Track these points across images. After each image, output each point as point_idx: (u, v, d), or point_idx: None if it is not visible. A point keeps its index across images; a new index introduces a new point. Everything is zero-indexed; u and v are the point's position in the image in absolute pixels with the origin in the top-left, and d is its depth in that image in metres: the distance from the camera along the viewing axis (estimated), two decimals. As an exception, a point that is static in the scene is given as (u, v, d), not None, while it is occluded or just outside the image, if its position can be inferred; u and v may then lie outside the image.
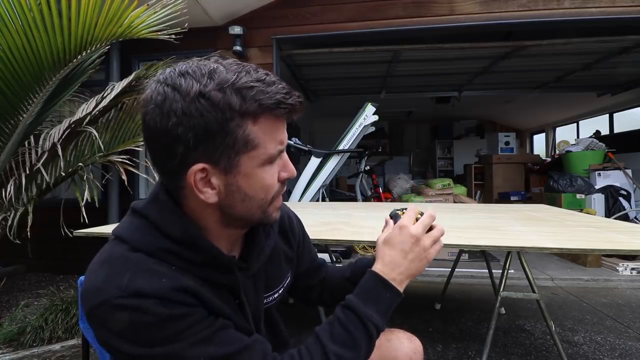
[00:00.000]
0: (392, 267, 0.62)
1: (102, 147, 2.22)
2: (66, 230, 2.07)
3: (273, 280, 0.71)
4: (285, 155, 0.57)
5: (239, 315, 0.60)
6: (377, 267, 0.63)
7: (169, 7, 2.14)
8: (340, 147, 3.39)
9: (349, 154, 3.50)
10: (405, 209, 0.69)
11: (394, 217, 0.70)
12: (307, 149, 3.51)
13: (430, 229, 0.66)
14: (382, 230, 0.70)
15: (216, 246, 0.56)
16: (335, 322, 0.58)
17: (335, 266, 0.87)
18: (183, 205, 0.56)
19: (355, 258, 3.72)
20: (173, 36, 2.19)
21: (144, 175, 2.63)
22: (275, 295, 0.72)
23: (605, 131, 5.93)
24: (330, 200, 4.13)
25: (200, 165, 0.50)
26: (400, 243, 0.63)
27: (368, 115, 3.35)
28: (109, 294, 0.48)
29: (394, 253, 0.63)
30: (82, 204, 2.08)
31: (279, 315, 0.77)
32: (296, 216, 0.82)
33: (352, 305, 0.59)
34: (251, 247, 0.65)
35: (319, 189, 3.40)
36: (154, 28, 2.12)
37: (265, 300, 0.69)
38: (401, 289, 0.62)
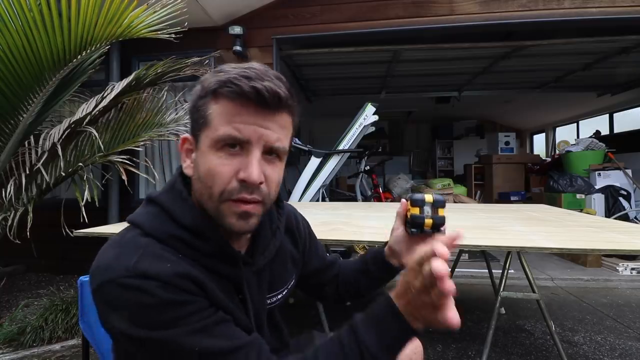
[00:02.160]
0: (406, 299, 0.50)
1: (102, 147, 2.22)
2: (67, 230, 2.07)
3: (277, 281, 0.71)
4: (253, 154, 0.52)
5: (241, 311, 0.60)
6: (393, 293, 0.53)
7: (169, 6, 2.14)
8: (340, 147, 3.39)
9: (349, 154, 3.50)
10: (425, 201, 0.64)
11: (415, 202, 0.64)
12: (307, 149, 3.51)
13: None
14: (396, 217, 0.71)
15: (224, 238, 0.57)
16: (336, 340, 0.55)
17: (348, 260, 0.87)
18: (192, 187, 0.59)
19: (355, 258, 3.72)
20: (173, 36, 2.19)
21: (144, 175, 2.63)
22: (279, 297, 0.72)
23: (605, 131, 5.93)
24: (330, 200, 4.13)
25: (186, 135, 0.58)
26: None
27: (368, 115, 3.34)
28: (117, 273, 0.49)
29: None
30: (82, 204, 2.08)
31: (281, 318, 0.77)
32: (302, 217, 0.83)
33: (356, 330, 0.53)
34: (256, 243, 0.65)
35: (319, 189, 3.40)
36: (154, 28, 2.12)
37: (268, 301, 0.69)
38: (415, 325, 0.50)
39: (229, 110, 0.52)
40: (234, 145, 0.52)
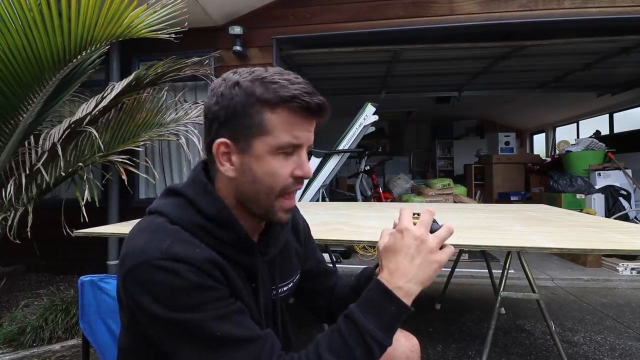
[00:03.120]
0: (398, 276, 0.58)
1: (102, 147, 2.22)
2: (68, 230, 2.07)
3: (285, 273, 0.75)
4: (304, 155, 0.60)
5: (252, 301, 0.63)
6: (383, 276, 0.59)
7: (169, 6, 2.14)
8: (340, 147, 3.39)
9: (349, 154, 3.50)
10: (418, 214, 0.63)
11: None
12: (307, 149, 3.51)
13: (432, 231, 0.62)
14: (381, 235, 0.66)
15: (245, 228, 0.61)
16: (335, 332, 0.57)
17: (346, 278, 0.87)
18: (215, 184, 0.63)
19: (355, 258, 3.73)
20: (173, 35, 2.19)
21: (144, 175, 2.63)
22: (285, 288, 0.75)
23: (605, 131, 5.93)
24: (330, 200, 4.13)
25: (223, 139, 0.58)
26: (404, 247, 0.59)
27: (368, 115, 3.35)
28: (151, 255, 0.52)
29: (399, 259, 0.59)
30: (82, 204, 2.08)
31: (286, 312, 0.78)
32: (303, 218, 0.87)
33: (353, 316, 0.57)
34: (268, 235, 0.69)
35: (319, 189, 3.40)
36: (154, 27, 2.12)
37: (277, 291, 0.72)
38: (409, 300, 0.58)
39: (291, 121, 0.57)
40: (289, 149, 0.58)
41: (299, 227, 0.81)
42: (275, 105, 0.56)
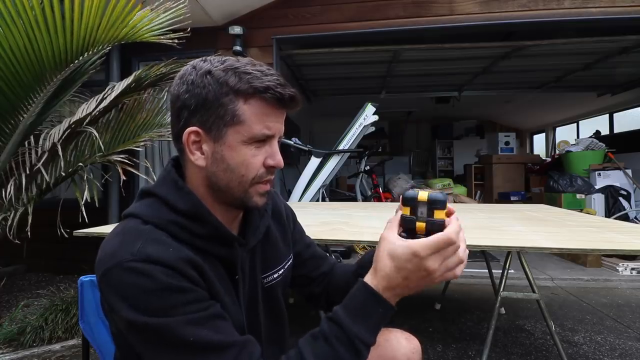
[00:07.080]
0: (387, 283, 0.55)
1: (102, 147, 2.21)
2: (62, 230, 2.08)
3: (271, 260, 0.74)
4: (275, 145, 0.61)
5: (233, 295, 0.62)
6: (370, 279, 0.56)
7: (171, 11, 2.14)
8: (340, 147, 3.39)
9: (349, 154, 3.50)
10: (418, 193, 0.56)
11: (406, 200, 0.56)
12: (307, 149, 3.51)
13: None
14: (388, 223, 0.60)
15: (220, 220, 0.61)
16: (319, 337, 0.54)
17: (343, 264, 0.86)
18: (186, 177, 0.62)
19: (355, 258, 3.72)
20: (176, 41, 2.19)
21: (144, 176, 2.62)
22: (275, 275, 0.74)
23: (605, 131, 5.93)
24: (330, 200, 4.13)
25: (194, 128, 0.58)
26: (406, 270, 0.54)
27: (368, 115, 3.34)
28: (122, 257, 0.51)
29: (393, 274, 0.55)
30: (82, 203, 2.08)
31: (283, 299, 0.77)
32: (285, 202, 0.86)
33: (339, 320, 0.54)
34: (247, 225, 0.69)
35: (319, 189, 3.40)
36: (157, 32, 2.12)
37: (265, 280, 0.72)
38: (394, 302, 0.56)
39: (263, 111, 0.57)
40: (261, 139, 0.59)
41: (280, 211, 0.81)
42: (249, 96, 0.56)
